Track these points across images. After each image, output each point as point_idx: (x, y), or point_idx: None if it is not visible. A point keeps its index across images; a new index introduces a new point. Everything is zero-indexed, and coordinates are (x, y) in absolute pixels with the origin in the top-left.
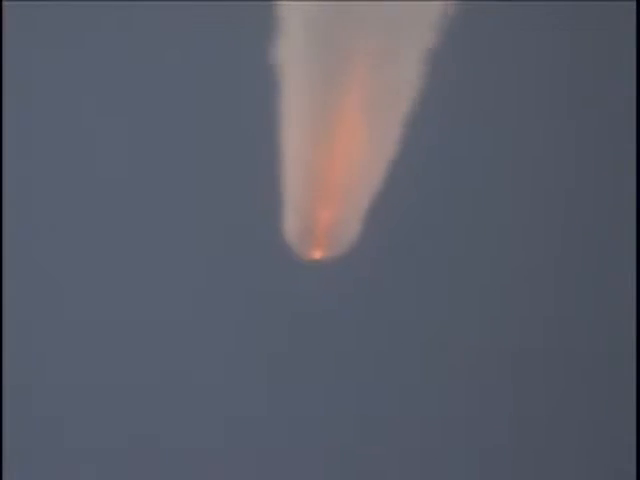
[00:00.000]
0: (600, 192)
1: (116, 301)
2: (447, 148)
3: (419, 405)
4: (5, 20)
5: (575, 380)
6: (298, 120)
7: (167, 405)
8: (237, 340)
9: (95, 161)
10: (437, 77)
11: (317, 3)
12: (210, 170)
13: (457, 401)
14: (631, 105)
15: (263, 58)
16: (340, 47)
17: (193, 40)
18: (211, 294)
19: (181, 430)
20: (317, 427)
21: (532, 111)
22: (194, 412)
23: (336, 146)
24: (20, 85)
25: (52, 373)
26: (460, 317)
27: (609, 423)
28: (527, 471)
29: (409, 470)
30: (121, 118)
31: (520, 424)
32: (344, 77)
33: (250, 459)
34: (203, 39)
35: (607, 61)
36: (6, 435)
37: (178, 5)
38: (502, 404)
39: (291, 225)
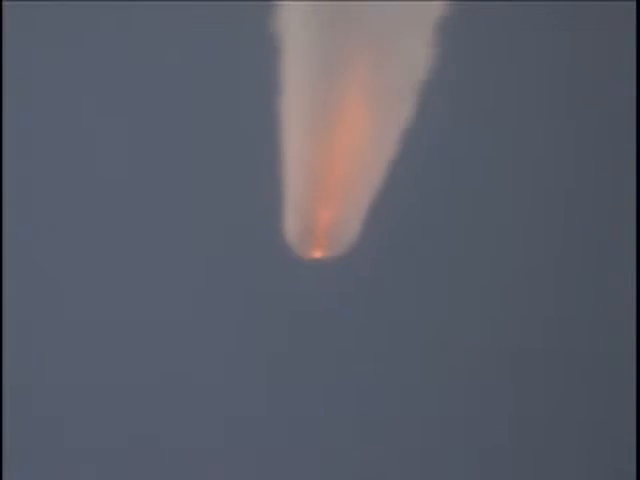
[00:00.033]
0: (600, 192)
1: (116, 301)
2: (447, 148)
3: (419, 405)
4: (5, 20)
5: (575, 380)
6: (298, 120)
7: (167, 405)
8: (237, 340)
9: (95, 161)
10: (437, 77)
11: (317, 3)
12: (210, 170)
13: (457, 401)
14: (631, 105)
15: (263, 58)
16: (340, 47)
17: (193, 40)
18: (211, 294)
19: (181, 430)
20: (317, 427)
21: (532, 111)
22: (194, 412)
23: (336, 146)
24: (20, 85)
25: (52, 373)
26: (460, 317)
27: (609, 423)
28: (527, 471)
29: (409, 470)
30: (121, 118)
31: (520, 424)
32: (344, 77)
33: (250, 459)
34: (203, 39)
35: (607, 61)
36: (6, 435)
37: (178, 5)
38: (502, 404)
39: (291, 225)
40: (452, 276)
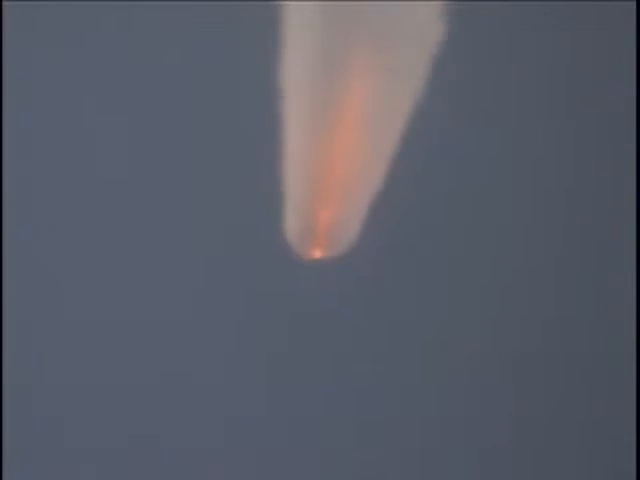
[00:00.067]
0: (600, 192)
1: (116, 301)
2: (447, 148)
3: (420, 405)
4: (5, 20)
5: (575, 380)
6: (298, 119)
7: (167, 405)
8: (237, 340)
9: (95, 161)
10: (437, 77)
11: (318, 3)
12: (210, 169)
13: (458, 401)
14: (631, 105)
15: (263, 58)
16: (341, 47)
17: (193, 40)
18: (211, 294)
19: (181, 430)
20: (317, 427)
21: (532, 111)
22: (194, 412)
23: (336, 146)
24: (20, 85)
25: (52, 373)
26: (461, 317)
27: (609, 423)
28: (527, 471)
29: (409, 471)
30: (121, 118)
31: (520, 424)
32: (345, 77)
33: (250, 459)
34: (203, 39)
35: (607, 61)
36: (6, 435)
37: (178, 5)
38: (502, 404)
39: (291, 224)
40: (452, 276)
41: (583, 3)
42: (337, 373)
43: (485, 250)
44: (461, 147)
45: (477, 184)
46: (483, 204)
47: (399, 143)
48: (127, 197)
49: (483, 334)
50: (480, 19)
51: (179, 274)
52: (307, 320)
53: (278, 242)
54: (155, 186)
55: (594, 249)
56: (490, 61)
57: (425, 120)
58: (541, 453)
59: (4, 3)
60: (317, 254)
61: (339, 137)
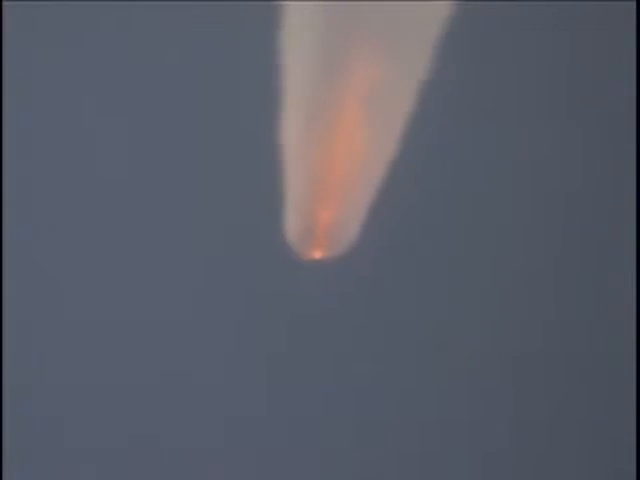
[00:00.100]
0: (600, 192)
1: (116, 301)
2: (447, 148)
3: (420, 406)
4: (5, 20)
5: (575, 380)
6: (298, 120)
7: (167, 405)
8: (237, 340)
9: (95, 161)
10: (437, 77)
11: (318, 3)
12: (209, 169)
13: (458, 401)
14: (631, 105)
15: (263, 58)
16: (341, 47)
17: (193, 40)
18: (210, 294)
19: (181, 430)
20: (317, 428)
21: (532, 111)
22: (194, 412)
23: (336, 145)
24: (20, 85)
25: (52, 373)
26: (461, 317)
27: (609, 423)
28: (527, 471)
29: (409, 472)
30: (121, 118)
31: (520, 424)
32: (344, 76)
33: (250, 459)
34: (203, 39)
35: (607, 61)
36: (6, 435)
37: (178, 5)
38: (502, 404)
39: (291, 225)
40: (452, 276)
41: (583, 3)
42: (337, 373)
43: (485, 250)
44: (461, 147)
45: (477, 184)
46: (483, 204)
47: (399, 143)
48: (127, 197)
49: (483, 334)
50: (480, 19)
51: (179, 274)
52: (307, 320)
53: (278, 242)
54: (155, 186)
55: (594, 249)
56: (490, 61)
57: (425, 120)
58: (541, 453)
59: (4, 3)
60: (317, 254)
61: (339, 137)
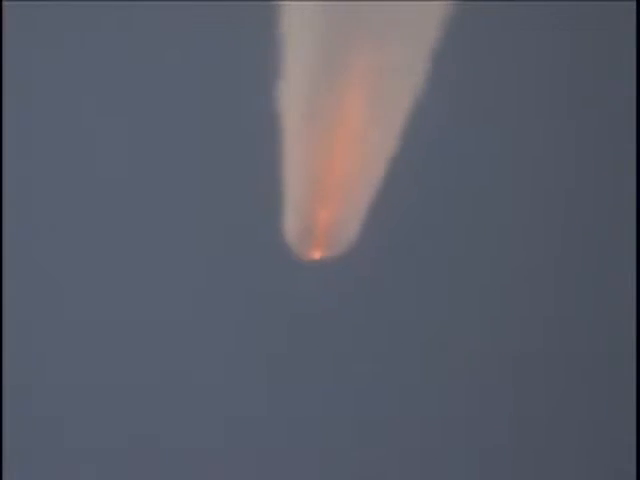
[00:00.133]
0: (600, 192)
1: (116, 301)
2: (447, 148)
3: (420, 406)
4: (5, 20)
5: (575, 380)
6: (298, 120)
7: (167, 405)
8: (237, 340)
9: (95, 161)
10: (437, 77)
11: (319, 3)
12: (209, 170)
13: (458, 401)
14: (631, 105)
15: (263, 58)
16: (341, 47)
17: (193, 40)
18: (210, 294)
19: (181, 430)
20: (317, 428)
21: (532, 111)
22: (194, 412)
23: (336, 146)
24: (20, 85)
25: (52, 373)
26: (461, 317)
27: (609, 423)
28: (527, 471)
29: (409, 471)
30: (121, 118)
31: (520, 424)
32: (344, 77)
33: (250, 459)
34: (203, 39)
35: (607, 61)
36: (6, 435)
37: (178, 5)
38: (502, 404)
39: (290, 225)
40: (452, 276)
41: (583, 3)
42: (337, 373)
43: (485, 250)
44: (461, 147)
45: (477, 184)
46: (483, 204)
47: (399, 143)
48: (127, 197)
49: (483, 334)
50: (480, 19)
51: (179, 275)
52: (307, 320)
53: (277, 243)
54: (155, 186)
55: (594, 249)
56: (490, 61)
57: (425, 120)
58: (541, 453)
59: (4, 3)
60: (316, 254)
61: (338, 137)
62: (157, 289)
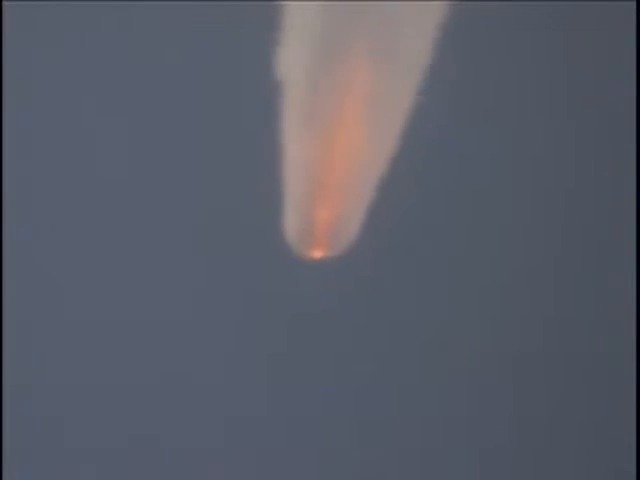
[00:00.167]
0: (600, 192)
1: (116, 301)
2: (447, 148)
3: (420, 405)
4: (5, 20)
5: (575, 380)
6: (298, 119)
7: (167, 405)
8: (237, 340)
9: (95, 161)
10: (437, 77)
11: (319, 3)
12: (209, 169)
13: (458, 401)
14: (631, 105)
15: (264, 58)
16: (340, 46)
17: (193, 40)
18: (210, 294)
19: (181, 430)
20: (317, 428)
21: (532, 111)
22: (194, 412)
23: (336, 145)
24: (20, 85)
25: (52, 373)
26: (461, 317)
27: (609, 423)
28: (527, 471)
29: (409, 471)
30: (121, 118)
31: (520, 424)
32: (344, 76)
33: (250, 459)
34: (204, 39)
35: (607, 61)
36: (6, 435)
37: (178, 5)
38: (502, 404)
39: (290, 224)
40: (453, 276)
41: (583, 3)
42: (337, 373)
43: (485, 250)
44: (461, 146)
45: (477, 184)
46: (483, 203)
47: (399, 142)
48: (127, 197)
49: (483, 334)
50: (480, 19)
51: (178, 274)
52: (307, 320)
53: (277, 242)
54: (154, 186)
55: (594, 249)
56: (490, 60)
57: (425, 120)
58: (541, 453)
59: (4, 3)
60: (317, 254)
61: (339, 137)
62: (157, 289)
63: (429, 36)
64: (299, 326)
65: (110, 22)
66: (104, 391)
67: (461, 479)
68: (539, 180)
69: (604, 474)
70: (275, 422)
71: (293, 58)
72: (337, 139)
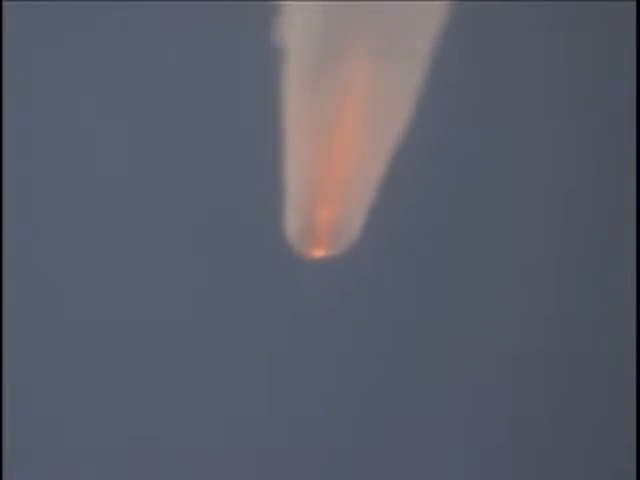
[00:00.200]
0: (600, 192)
1: (116, 301)
2: (447, 147)
3: (421, 405)
4: (5, 20)
5: (575, 380)
6: (299, 119)
7: (167, 405)
8: (237, 340)
9: (95, 161)
10: (437, 76)
11: (319, 4)
12: (210, 169)
13: (459, 401)
14: (631, 105)
15: (264, 58)
16: (341, 46)
17: (194, 40)
18: (211, 294)
19: (181, 430)
20: (318, 427)
21: (532, 111)
22: (194, 412)
23: (337, 144)
24: (20, 85)
25: (52, 373)
26: (462, 316)
27: (609, 423)
28: (527, 471)
29: (410, 471)
30: (121, 118)
31: (520, 424)
32: (345, 76)
33: (250, 459)
34: (204, 39)
35: (607, 61)
36: (6, 435)
37: (178, 5)
38: (502, 403)
39: (292, 223)
40: (454, 275)
41: (583, 3)
42: (338, 372)
43: (486, 249)
44: (461, 146)
45: (477, 184)
46: (483, 203)
47: (400, 142)
48: (127, 197)
49: (484, 333)
50: (480, 19)
51: (179, 274)
52: (308, 319)
53: (279, 241)
54: (155, 186)
55: (594, 249)
56: (490, 61)
57: (425, 120)
58: (541, 453)
59: (4, 3)
60: (318, 253)
61: (339, 136)
62: (157, 288)
63: (429, 36)
64: (300, 325)
65: (110, 22)
66: (104, 391)
67: (461, 477)
68: (539, 180)
69: (604, 474)
70: (276, 422)
71: (293, 58)
72: (337, 139)
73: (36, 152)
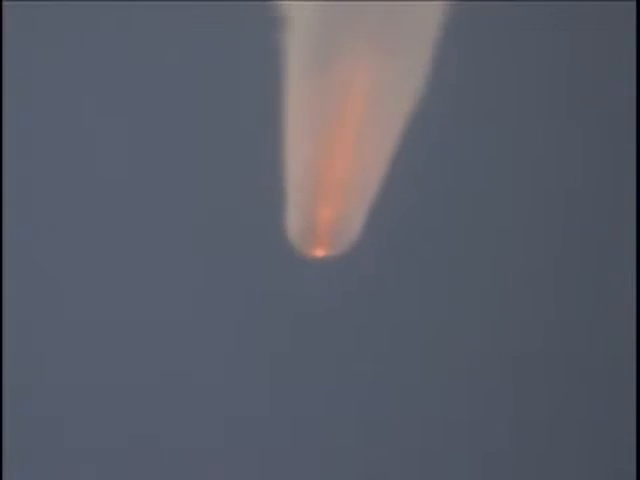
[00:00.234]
0: (600, 192)
1: (116, 301)
2: (448, 147)
3: (422, 405)
4: (5, 20)
5: (575, 381)
6: (299, 118)
7: (167, 405)
8: (238, 339)
9: (95, 161)
10: (438, 76)
11: (319, 4)
12: (211, 168)
13: (459, 401)
14: (631, 105)
15: (264, 57)
16: (341, 46)
17: (194, 40)
18: (212, 293)
19: (181, 430)
20: (319, 427)
21: (532, 111)
22: (194, 412)
23: (337, 144)
24: (20, 85)
25: (52, 373)
26: (463, 316)
27: (609, 423)
28: (527, 471)
29: (411, 471)
30: (122, 118)
31: (520, 424)
32: (345, 77)
33: (251, 459)
34: (204, 39)
35: (607, 61)
36: (6, 435)
37: (178, 5)
38: (503, 403)
39: (293, 223)
40: (454, 275)
41: (583, 3)
42: (339, 372)
43: (486, 249)
44: (461, 147)
45: (477, 184)
46: (484, 203)
47: (400, 142)
48: (127, 197)
49: (485, 333)
50: (480, 19)
51: (180, 274)
52: (309, 319)
53: (279, 240)
54: (155, 186)
55: (594, 249)
56: (490, 60)
57: (425, 120)
58: (541, 453)
59: (4, 3)
60: (319, 252)
61: (340, 136)
62: (158, 288)
63: (429, 36)
64: (301, 325)
65: (110, 22)
66: (104, 391)
67: (462, 477)
68: (539, 180)
69: (604, 474)
70: (277, 422)
71: (293, 59)
72: (338, 139)
73: (36, 152)
